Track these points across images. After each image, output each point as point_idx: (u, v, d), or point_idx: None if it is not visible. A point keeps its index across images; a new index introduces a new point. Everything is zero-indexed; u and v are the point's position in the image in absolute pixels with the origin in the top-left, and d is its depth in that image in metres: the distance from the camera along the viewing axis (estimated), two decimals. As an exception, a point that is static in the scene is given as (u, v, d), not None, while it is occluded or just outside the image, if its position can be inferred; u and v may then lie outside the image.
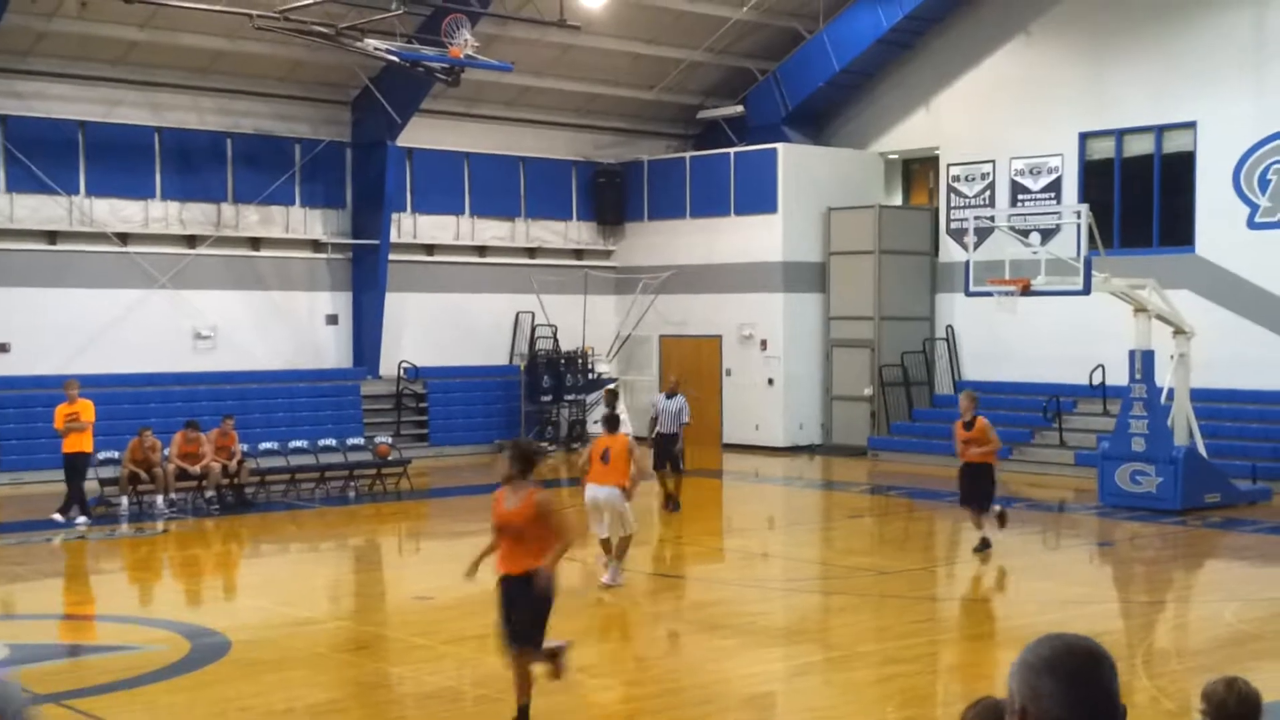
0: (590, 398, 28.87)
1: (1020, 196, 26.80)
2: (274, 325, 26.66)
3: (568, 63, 28.33)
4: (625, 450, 14.30)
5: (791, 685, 11.32)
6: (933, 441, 24.76)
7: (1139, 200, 25.37)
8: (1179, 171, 24.79)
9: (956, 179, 27.92)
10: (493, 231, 29.54)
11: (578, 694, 10.42)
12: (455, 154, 28.75)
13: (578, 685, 10.32)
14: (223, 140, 25.99)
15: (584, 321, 29.45)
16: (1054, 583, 15.28)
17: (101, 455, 20.31)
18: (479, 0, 24.98)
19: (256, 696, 10.36)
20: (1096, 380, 24.29)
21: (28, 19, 22.78)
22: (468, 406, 28.26)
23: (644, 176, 30.61)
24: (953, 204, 27.83)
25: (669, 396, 20.49)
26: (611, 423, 14.98)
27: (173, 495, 20.29)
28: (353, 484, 22.32)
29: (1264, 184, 23.67)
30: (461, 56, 23.78)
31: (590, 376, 29.05)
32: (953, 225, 27.41)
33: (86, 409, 19.09)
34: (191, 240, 25.61)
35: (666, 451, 20.06)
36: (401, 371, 27.57)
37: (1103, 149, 25.96)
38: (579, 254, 30.68)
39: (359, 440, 23.43)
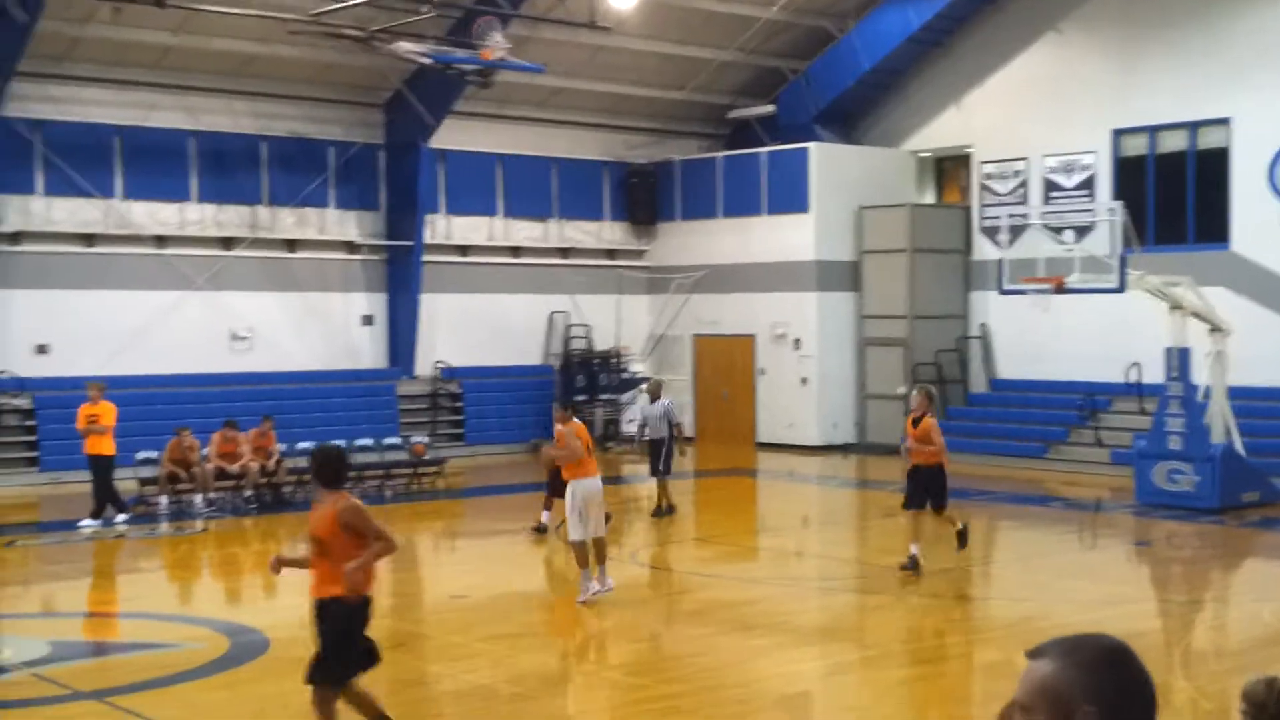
0: (624, 397, 28.93)
1: (1053, 194, 26.66)
2: (310, 326, 26.83)
3: (599, 64, 28.38)
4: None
5: (827, 684, 11.34)
6: (967, 440, 24.66)
7: (1173, 197, 25.22)
8: (1213, 168, 24.62)
9: (989, 177, 27.82)
10: (526, 232, 29.62)
11: (613, 692, 10.46)
12: (488, 155, 28.83)
13: (613, 684, 10.35)
14: (257, 143, 26.16)
15: (617, 321, 29.51)
16: (1091, 582, 15.23)
17: (140, 455, 20.53)
18: (510, 2, 25.08)
19: (295, 694, 10.41)
20: (1132, 378, 24.16)
21: (62, 25, 22.97)
22: (502, 406, 28.32)
23: (676, 176, 30.63)
24: (985, 202, 27.72)
25: (652, 401, 19.88)
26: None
27: (211, 494, 20.46)
28: (389, 483, 22.44)
29: (1300, 180, 23.52)
30: (493, 58, 23.85)
31: (624, 376, 29.12)
32: (985, 223, 27.29)
33: (107, 412, 19.01)
34: (227, 242, 25.80)
35: (657, 457, 19.47)
36: (437, 371, 27.70)
37: (1136, 146, 25.81)
38: (612, 254, 30.72)
39: (395, 440, 23.55)
